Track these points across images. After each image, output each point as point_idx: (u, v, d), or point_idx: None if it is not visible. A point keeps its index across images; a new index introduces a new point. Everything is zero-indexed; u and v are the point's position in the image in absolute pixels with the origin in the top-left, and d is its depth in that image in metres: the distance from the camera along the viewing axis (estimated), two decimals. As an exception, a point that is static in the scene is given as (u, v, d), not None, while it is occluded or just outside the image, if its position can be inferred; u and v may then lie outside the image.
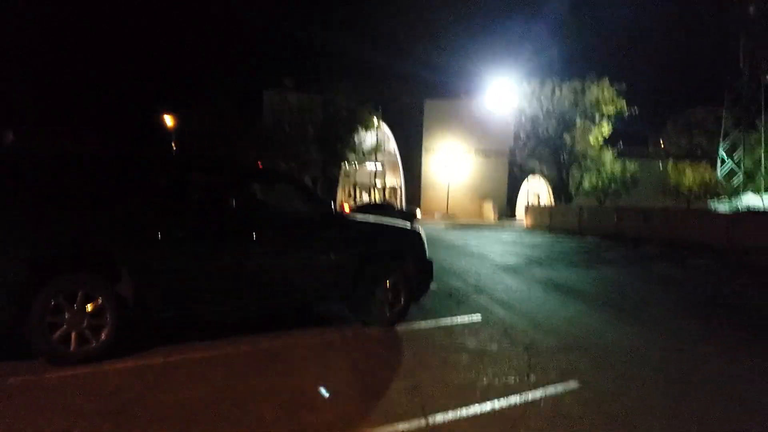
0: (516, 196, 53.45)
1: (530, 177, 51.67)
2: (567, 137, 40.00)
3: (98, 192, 5.93)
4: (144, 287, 5.87)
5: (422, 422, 4.47)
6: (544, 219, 34.55)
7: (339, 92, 38.65)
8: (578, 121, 39.94)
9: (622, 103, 40.15)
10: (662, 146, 76.05)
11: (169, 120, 35.64)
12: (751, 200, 43.68)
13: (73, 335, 5.56)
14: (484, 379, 5.50)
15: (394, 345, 6.70)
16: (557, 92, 39.53)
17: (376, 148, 44.43)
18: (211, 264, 6.24)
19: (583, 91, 39.32)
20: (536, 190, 55.68)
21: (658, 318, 8.50)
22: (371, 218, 7.79)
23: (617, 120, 40.65)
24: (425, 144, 49.59)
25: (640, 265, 15.83)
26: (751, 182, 48.14)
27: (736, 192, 48.09)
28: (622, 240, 24.96)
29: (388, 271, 7.32)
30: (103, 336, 5.69)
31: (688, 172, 46.38)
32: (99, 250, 5.74)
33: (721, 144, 52.24)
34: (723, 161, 51.56)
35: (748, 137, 50.83)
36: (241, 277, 6.40)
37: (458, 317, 8.00)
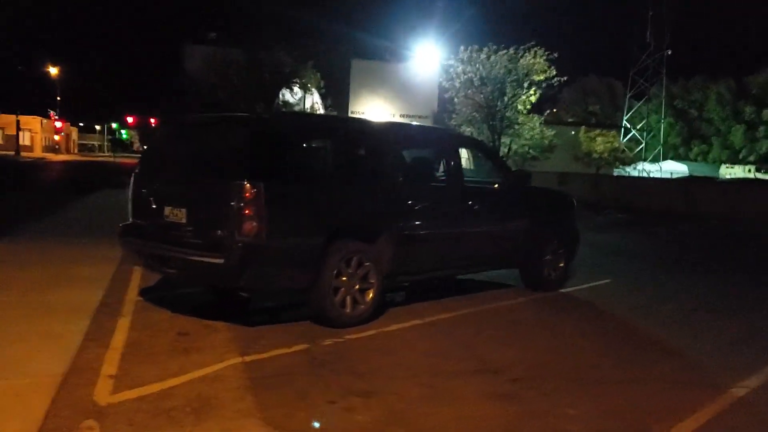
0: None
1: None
2: (499, 103, 41.54)
3: (368, 167, 6.40)
4: (397, 254, 6.40)
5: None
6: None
7: (273, 48, 38.03)
8: (509, 88, 41.60)
9: (553, 71, 41.95)
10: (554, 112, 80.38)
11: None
12: (670, 166, 48.00)
13: (348, 298, 6.01)
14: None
15: (575, 304, 7.66)
16: (492, 58, 40.88)
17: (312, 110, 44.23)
18: (445, 231, 6.88)
19: (517, 59, 40.85)
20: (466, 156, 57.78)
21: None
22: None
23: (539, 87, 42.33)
24: (352, 107, 49.88)
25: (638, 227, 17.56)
26: (650, 151, 53.24)
27: (639, 159, 52.83)
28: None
29: (554, 235, 8.16)
30: (368, 299, 6.17)
31: (599, 139, 50.05)
32: (372, 219, 6.26)
33: (625, 114, 56.95)
34: (627, 130, 56.28)
35: (653, 108, 55.63)
36: (462, 243, 7.09)
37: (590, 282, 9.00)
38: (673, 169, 55.77)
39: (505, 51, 41.70)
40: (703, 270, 11.30)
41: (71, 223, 13.33)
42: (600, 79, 79.37)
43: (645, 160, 55.59)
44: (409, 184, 6.61)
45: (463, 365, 5.12)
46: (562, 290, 8.25)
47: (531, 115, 42.49)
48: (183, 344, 5.34)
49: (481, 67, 40.78)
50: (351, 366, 4.96)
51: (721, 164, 63.49)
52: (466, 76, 41.01)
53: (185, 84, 38.61)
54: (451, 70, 42.13)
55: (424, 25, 60.16)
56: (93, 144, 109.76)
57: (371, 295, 6.18)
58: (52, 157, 66.52)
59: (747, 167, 61.50)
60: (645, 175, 49.10)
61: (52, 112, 78.45)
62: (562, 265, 8.29)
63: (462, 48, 39.96)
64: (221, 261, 5.34)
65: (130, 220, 6.47)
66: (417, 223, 6.60)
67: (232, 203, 5.33)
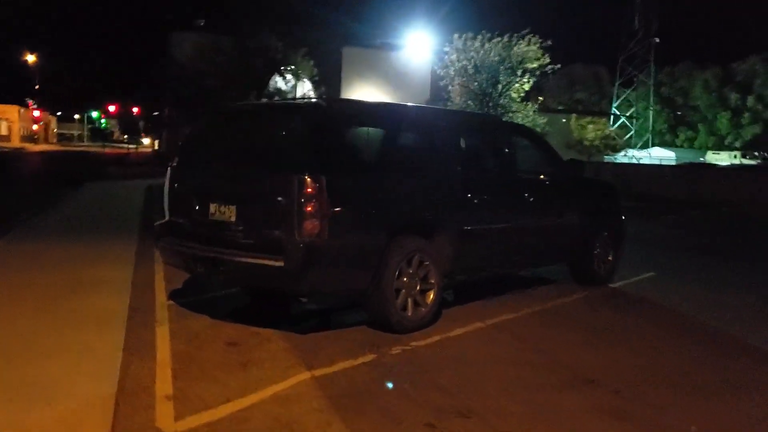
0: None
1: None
2: (494, 91, 41.20)
3: (427, 157, 5.90)
4: (456, 251, 5.91)
5: None
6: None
7: (264, 34, 37.25)
8: (503, 75, 41.26)
9: (546, 60, 41.67)
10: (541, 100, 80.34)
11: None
12: (658, 153, 48.02)
13: (409, 301, 5.51)
14: None
15: (631, 301, 7.25)
16: (486, 46, 40.46)
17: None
18: (503, 226, 6.41)
19: (511, 46, 40.46)
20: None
21: None
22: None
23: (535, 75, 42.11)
24: (343, 94, 49.23)
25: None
26: (639, 138, 53.27)
27: (629, 146, 52.92)
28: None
29: (604, 227, 7.72)
30: (429, 301, 5.68)
31: (590, 127, 49.97)
32: (432, 214, 5.79)
33: (614, 101, 56.92)
34: (616, 117, 56.30)
35: (641, 95, 55.70)
36: (520, 237, 6.63)
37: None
38: (661, 155, 55.83)
39: (499, 38, 41.29)
40: (734, 257, 10.94)
41: (69, 219, 12.69)
42: (586, 67, 79.15)
43: (634, 147, 55.64)
44: (467, 176, 6.12)
45: (553, 376, 4.63)
46: (611, 285, 7.81)
47: (525, 102, 42.16)
48: (237, 357, 4.81)
49: (475, 55, 40.37)
50: (432, 379, 4.46)
51: (707, 151, 63.76)
52: (460, 64, 40.55)
53: (173, 72, 37.72)
54: (446, 57, 41.63)
55: (417, 13, 59.58)
56: (72, 134, 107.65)
57: (432, 296, 5.68)
58: (30, 147, 65.08)
59: (733, 153, 61.82)
60: (635, 161, 49.03)
61: (30, 101, 76.75)
62: (610, 258, 7.86)
63: (456, 35, 39.50)
64: (281, 264, 4.81)
65: (167, 218, 5.89)
66: (476, 217, 6.11)
67: (292, 199, 4.80)
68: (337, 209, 4.92)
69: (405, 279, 5.47)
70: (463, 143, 6.29)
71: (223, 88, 37.43)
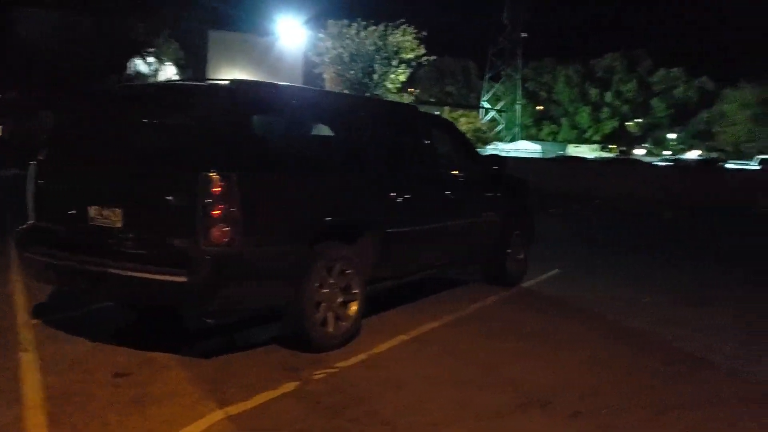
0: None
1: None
2: (369, 81, 41.13)
3: (349, 151, 5.29)
4: (380, 256, 5.38)
5: None
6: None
7: (122, 13, 34.74)
8: (378, 65, 41.32)
9: (422, 50, 42.19)
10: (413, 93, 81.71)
11: None
12: (525, 146, 49.89)
13: (330, 315, 4.92)
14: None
15: (551, 303, 7.01)
16: (362, 34, 40.29)
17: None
18: (427, 227, 5.96)
19: (386, 36, 40.58)
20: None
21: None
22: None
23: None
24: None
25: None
26: (508, 131, 55.25)
27: (499, 139, 54.74)
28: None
29: (517, 225, 7.47)
30: (351, 314, 5.11)
31: (463, 120, 51.11)
32: (355, 216, 5.23)
33: (483, 95, 58.68)
34: (486, 111, 58.10)
35: (509, 89, 57.87)
36: (444, 238, 6.24)
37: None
38: (527, 148, 58.31)
39: (374, 27, 41.11)
40: (629, 249, 11.17)
41: None
42: (455, 60, 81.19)
43: (503, 140, 57.67)
44: (391, 173, 5.58)
45: (502, 397, 4.20)
46: (523, 285, 7.59)
47: (401, 94, 42.36)
48: (129, 391, 4.00)
49: (350, 43, 39.95)
50: (370, 411, 3.89)
51: (569, 144, 67.42)
52: (335, 52, 39.99)
53: (18, 51, 34.32)
54: (320, 44, 40.88)
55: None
56: None
57: (354, 308, 5.10)
58: None
59: (592, 146, 65.76)
60: (505, 154, 50.84)
61: None
62: (522, 257, 7.63)
63: (331, 22, 38.83)
64: (183, 279, 4.04)
65: (33, 222, 4.88)
66: (401, 218, 5.59)
67: (196, 201, 4.04)
68: (253, 212, 4.22)
69: (326, 290, 4.85)
70: (387, 136, 5.73)
71: (79, 70, 34.57)
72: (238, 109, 4.46)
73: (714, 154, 52.55)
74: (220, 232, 4.05)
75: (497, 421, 3.84)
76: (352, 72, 39.58)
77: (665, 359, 5.22)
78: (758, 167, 32.99)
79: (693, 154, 58.71)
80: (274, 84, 5.17)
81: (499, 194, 7.15)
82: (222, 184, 4.03)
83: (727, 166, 36.35)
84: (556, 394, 4.28)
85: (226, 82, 4.65)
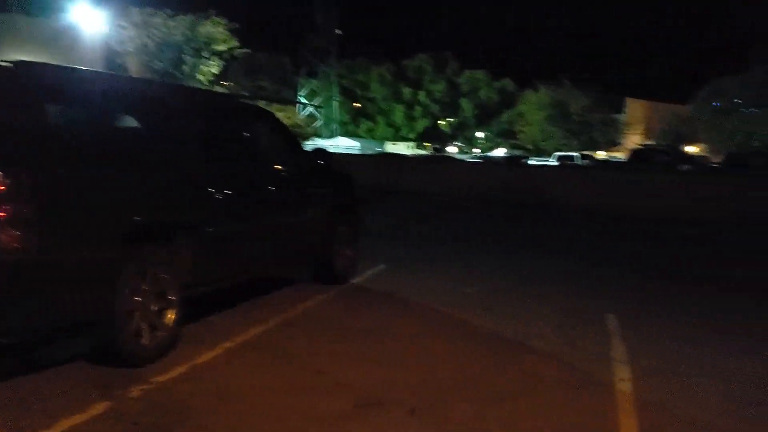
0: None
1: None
2: (178, 73, 39.73)
3: (161, 142, 4.79)
4: (199, 259, 4.98)
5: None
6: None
7: None
8: (188, 57, 40.00)
9: (234, 43, 41.46)
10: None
11: None
12: (344, 142, 50.30)
13: (144, 325, 4.46)
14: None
15: (381, 299, 7.00)
16: (170, 24, 38.68)
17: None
18: (251, 226, 5.64)
19: (196, 26, 39.33)
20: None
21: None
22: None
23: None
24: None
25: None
26: (326, 127, 55.55)
27: (318, 135, 54.81)
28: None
29: (344, 221, 7.35)
30: (168, 322, 4.68)
31: (280, 115, 50.58)
32: (170, 215, 4.75)
33: (300, 90, 58.41)
34: (304, 106, 57.92)
35: (325, 85, 58.16)
36: (268, 238, 5.92)
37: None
38: (346, 145, 59.05)
39: (183, 17, 39.57)
40: (447, 240, 11.53)
41: None
42: (269, 55, 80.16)
43: (321, 136, 57.92)
44: (210, 168, 5.17)
45: (340, 401, 4.02)
46: (352, 281, 7.50)
47: (213, 86, 41.11)
48: None
49: (157, 32, 38.13)
50: (196, 428, 3.53)
51: (386, 141, 69.36)
52: (140, 41, 37.92)
53: None
54: (123, 33, 38.52)
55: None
56: None
57: (171, 316, 4.67)
58: None
59: (408, 144, 68.17)
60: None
61: None
62: (350, 254, 7.54)
63: (136, 10, 36.71)
64: (-37, 294, 3.41)
65: None
66: (221, 217, 5.20)
67: (-24, 201, 3.43)
68: (50, 213, 3.67)
69: (138, 298, 4.38)
70: (204, 128, 5.29)
71: None
72: (24, 95, 3.86)
73: (518, 152, 56.60)
74: (9, 237, 3.47)
75: (336, 427, 3.66)
76: (161, 63, 37.71)
77: (491, 348, 5.35)
78: (557, 163, 35.93)
79: (500, 152, 62.83)
80: (69, 67, 4.58)
81: (324, 189, 6.98)
82: (9, 181, 3.46)
83: (531, 162, 39.22)
84: (392, 393, 4.19)
85: (8, 64, 4.02)
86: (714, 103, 47.60)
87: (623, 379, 4.71)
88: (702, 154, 46.13)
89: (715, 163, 28.32)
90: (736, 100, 46.00)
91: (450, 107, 75.23)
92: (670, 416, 4.12)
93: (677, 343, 5.70)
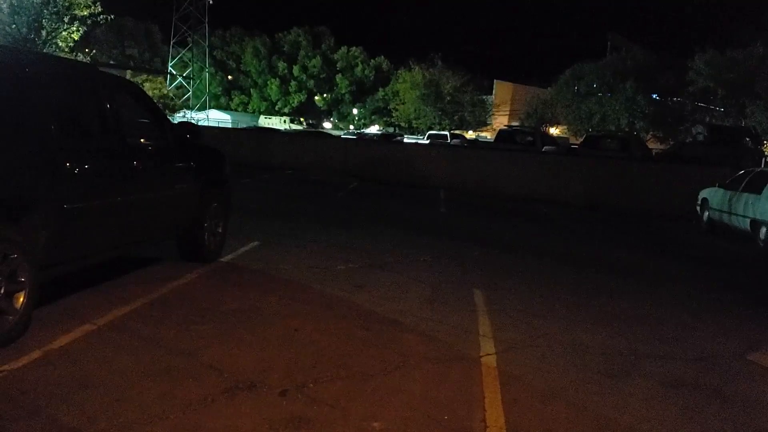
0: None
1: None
2: (37, 38, 37.00)
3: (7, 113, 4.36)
4: (55, 236, 4.64)
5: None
6: None
7: None
8: (47, 21, 37.37)
9: (98, 8, 39.11)
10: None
11: None
12: (215, 115, 48.63)
13: (-8, 310, 4.12)
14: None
15: (251, 277, 6.86)
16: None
17: None
18: (113, 200, 5.30)
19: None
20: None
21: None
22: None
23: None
24: None
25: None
26: (197, 99, 53.51)
27: (187, 107, 52.70)
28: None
29: (213, 197, 7.11)
30: (19, 306, 4.34)
31: (147, 85, 48.22)
32: (19, 190, 4.35)
33: (169, 61, 55.78)
34: (173, 77, 55.44)
35: (196, 56, 55.89)
36: (132, 213, 5.60)
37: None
38: (218, 118, 57.40)
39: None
40: (320, 218, 11.43)
41: None
42: (137, 22, 76.17)
43: (192, 108, 55.87)
44: (66, 140, 4.79)
45: (207, 384, 3.89)
46: (222, 259, 7.30)
47: (75, 54, 38.58)
48: None
49: (9, -6, 35.14)
50: (50, 418, 3.30)
51: (260, 115, 67.99)
52: (-10, 1, 34.80)
53: None
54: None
55: None
56: None
57: (22, 299, 4.32)
58: None
59: (283, 118, 67.18)
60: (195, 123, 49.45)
61: None
62: (220, 230, 7.32)
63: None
64: None
65: None
66: (79, 191, 4.84)
67: None
68: None
69: (-17, 281, 4.02)
70: (59, 99, 4.88)
71: None
72: None
73: (391, 129, 57.22)
74: None
75: (204, 411, 3.54)
76: (14, 26, 34.87)
77: (363, 325, 5.39)
78: (427, 141, 36.65)
79: (374, 129, 63.27)
80: None
81: (193, 164, 6.71)
82: None
83: (405, 140, 39.77)
84: (263, 374, 4.12)
85: None
86: (574, 87, 50.22)
87: (489, 354, 4.88)
88: (563, 135, 48.69)
89: (575, 145, 29.92)
90: (594, 85, 48.75)
91: (325, 83, 74.88)
92: (530, 388, 4.31)
93: (538, 318, 5.99)
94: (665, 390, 4.52)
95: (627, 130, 41.29)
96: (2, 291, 4.18)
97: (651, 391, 4.47)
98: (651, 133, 44.38)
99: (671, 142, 38.78)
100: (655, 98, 45.91)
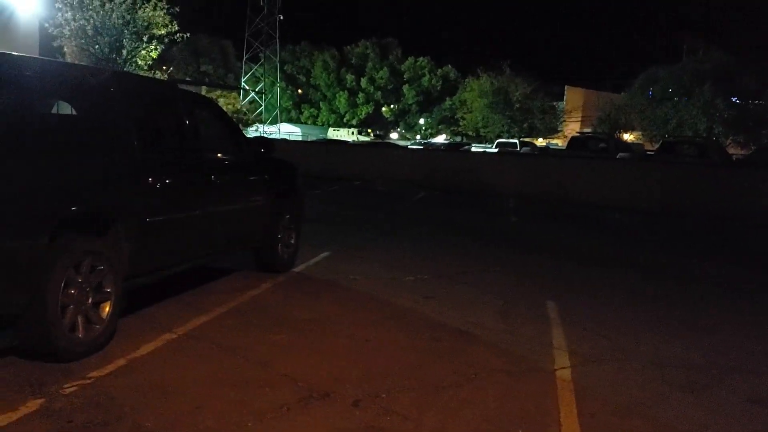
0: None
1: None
2: (118, 57, 38.43)
3: (94, 129, 4.61)
4: (137, 248, 4.83)
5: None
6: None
7: None
8: (127, 41, 38.81)
9: (175, 27, 40.36)
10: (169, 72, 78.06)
11: None
12: (286, 128, 49.68)
13: (79, 319, 4.31)
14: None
15: (324, 287, 6.95)
16: (107, 6, 37.37)
17: None
18: (191, 213, 5.51)
19: (135, 9, 38.14)
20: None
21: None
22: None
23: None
24: None
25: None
26: (268, 113, 54.90)
27: (260, 121, 54.06)
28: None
29: (287, 209, 7.26)
30: (105, 315, 4.53)
31: (221, 101, 49.65)
32: (105, 204, 4.58)
33: (242, 76, 57.46)
34: (246, 92, 57.05)
35: (268, 71, 57.37)
36: (210, 226, 5.81)
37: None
38: (289, 131, 58.50)
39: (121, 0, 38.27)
40: (388, 229, 11.48)
41: None
42: (211, 40, 78.61)
43: (264, 122, 57.26)
44: (148, 155, 5.00)
45: (282, 393, 3.97)
46: (294, 270, 7.43)
47: (153, 72, 40.03)
48: None
49: (95, 15, 36.88)
50: (135, 425, 3.43)
51: (329, 127, 68.97)
52: (77, 24, 36.62)
53: None
54: (59, 15, 37.09)
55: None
56: None
57: (108, 309, 4.52)
58: None
59: (351, 130, 67.93)
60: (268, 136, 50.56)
61: None
62: (293, 242, 7.46)
63: (69, -10, 35.30)
64: None
65: None
66: (161, 205, 5.05)
67: None
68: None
69: (73, 291, 4.22)
70: (142, 115, 5.11)
71: None
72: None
73: (458, 139, 57.01)
74: None
75: (280, 420, 3.60)
76: (98, 47, 36.49)
77: (434, 336, 5.37)
78: (495, 150, 36.31)
79: (441, 138, 63.21)
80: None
81: (267, 177, 6.88)
82: None
83: (473, 149, 39.54)
84: (336, 384, 4.16)
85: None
86: (648, 92, 48.84)
87: (563, 367, 4.78)
88: (638, 141, 47.38)
89: (650, 151, 29.08)
90: (669, 89, 47.29)
91: (393, 94, 75.35)
92: (607, 402, 4.20)
93: (613, 331, 5.85)
94: (752, 406, 4.32)
95: (705, 135, 39.80)
96: (90, 301, 4.37)
97: (736, 407, 4.28)
98: (731, 138, 42.62)
99: (753, 147, 37.15)
100: (735, 102, 44.11)
